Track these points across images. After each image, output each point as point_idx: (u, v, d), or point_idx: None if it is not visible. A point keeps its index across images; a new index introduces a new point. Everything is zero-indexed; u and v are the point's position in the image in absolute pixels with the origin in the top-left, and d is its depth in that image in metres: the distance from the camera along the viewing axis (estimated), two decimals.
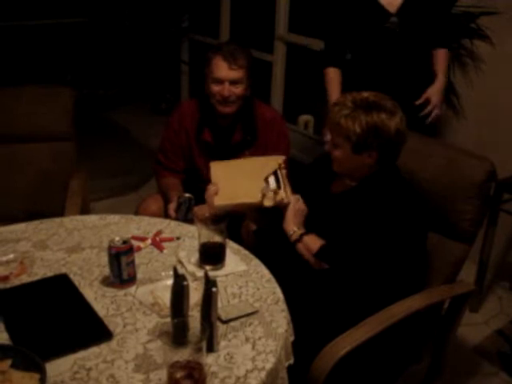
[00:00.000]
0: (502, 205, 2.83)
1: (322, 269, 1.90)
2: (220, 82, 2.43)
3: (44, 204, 2.56)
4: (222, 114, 2.50)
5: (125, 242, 1.63)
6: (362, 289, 1.83)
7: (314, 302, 1.86)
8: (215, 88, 2.44)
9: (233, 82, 2.43)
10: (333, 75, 2.79)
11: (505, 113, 3.16)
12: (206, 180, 2.50)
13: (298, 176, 2.39)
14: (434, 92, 2.69)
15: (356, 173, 1.95)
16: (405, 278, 1.87)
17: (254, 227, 2.27)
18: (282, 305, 1.59)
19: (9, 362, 1.28)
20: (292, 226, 1.99)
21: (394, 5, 2.62)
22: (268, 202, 2.07)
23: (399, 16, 2.61)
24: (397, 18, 2.61)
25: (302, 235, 1.96)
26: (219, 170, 2.25)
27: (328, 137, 2.11)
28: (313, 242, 1.93)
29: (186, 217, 2.25)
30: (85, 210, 2.52)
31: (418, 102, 2.67)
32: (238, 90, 2.45)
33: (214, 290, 1.33)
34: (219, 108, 2.48)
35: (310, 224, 1.99)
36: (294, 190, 2.13)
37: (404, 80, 2.68)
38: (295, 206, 2.03)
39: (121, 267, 1.62)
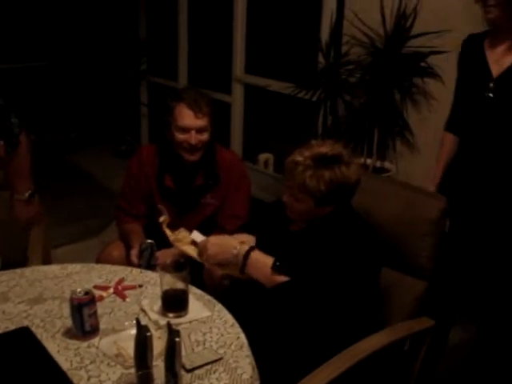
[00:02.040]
0: None
1: (278, 285, 1.87)
2: (186, 130, 2.44)
3: (4, 254, 2.52)
4: (188, 161, 2.50)
5: (86, 293, 1.62)
6: (323, 323, 1.85)
7: (279, 345, 1.87)
8: (181, 136, 2.45)
9: (199, 130, 2.44)
10: (445, 142, 2.55)
11: None
12: (169, 225, 2.50)
13: (258, 215, 2.42)
14: None
15: (312, 218, 1.99)
16: (361, 312, 1.90)
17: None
18: (247, 350, 1.59)
19: None
20: (233, 243, 1.96)
21: (501, 66, 2.25)
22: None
23: (499, 81, 2.24)
24: (494, 83, 2.25)
25: (249, 250, 1.92)
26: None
27: None
28: (264, 257, 1.91)
29: (149, 263, 2.25)
30: (46, 259, 2.49)
31: None
32: (204, 137, 2.47)
33: (177, 340, 1.34)
34: (186, 156, 2.49)
35: None
36: (255, 229, 2.17)
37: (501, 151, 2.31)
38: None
39: (83, 319, 1.61)
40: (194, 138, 2.43)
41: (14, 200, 2.40)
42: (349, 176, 1.89)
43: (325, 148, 1.94)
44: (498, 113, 2.27)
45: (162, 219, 2.25)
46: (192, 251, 2.10)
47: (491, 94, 2.26)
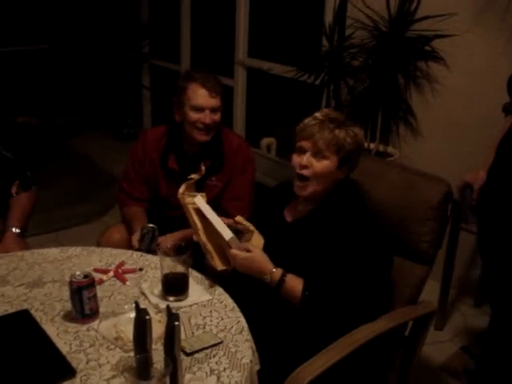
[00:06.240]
0: (461, 223, 2.81)
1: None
2: (201, 109, 2.41)
3: None
4: (199, 141, 2.47)
5: (86, 276, 1.62)
6: (331, 317, 1.83)
7: (279, 329, 1.86)
8: (195, 116, 2.41)
9: (213, 110, 2.42)
10: (504, 125, 2.28)
11: (459, 130, 3.23)
12: (172, 207, 2.49)
13: (258, 202, 2.40)
14: None
15: (322, 191, 1.93)
16: (372, 302, 1.88)
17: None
18: (247, 334, 1.59)
19: None
20: (269, 266, 1.87)
21: None
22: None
23: None
24: None
25: (283, 275, 1.85)
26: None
27: None
28: (296, 283, 1.84)
29: (150, 247, 2.23)
30: None
31: None
32: (217, 117, 2.44)
33: (176, 324, 1.32)
34: (198, 136, 2.45)
35: (268, 253, 1.96)
36: (255, 216, 2.14)
37: None
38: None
39: (82, 302, 1.61)
40: (208, 117, 2.41)
41: (5, 234, 2.36)
42: (362, 138, 1.95)
43: (331, 112, 1.97)
44: None
45: (192, 176, 2.16)
46: (195, 218, 2.00)
47: None
